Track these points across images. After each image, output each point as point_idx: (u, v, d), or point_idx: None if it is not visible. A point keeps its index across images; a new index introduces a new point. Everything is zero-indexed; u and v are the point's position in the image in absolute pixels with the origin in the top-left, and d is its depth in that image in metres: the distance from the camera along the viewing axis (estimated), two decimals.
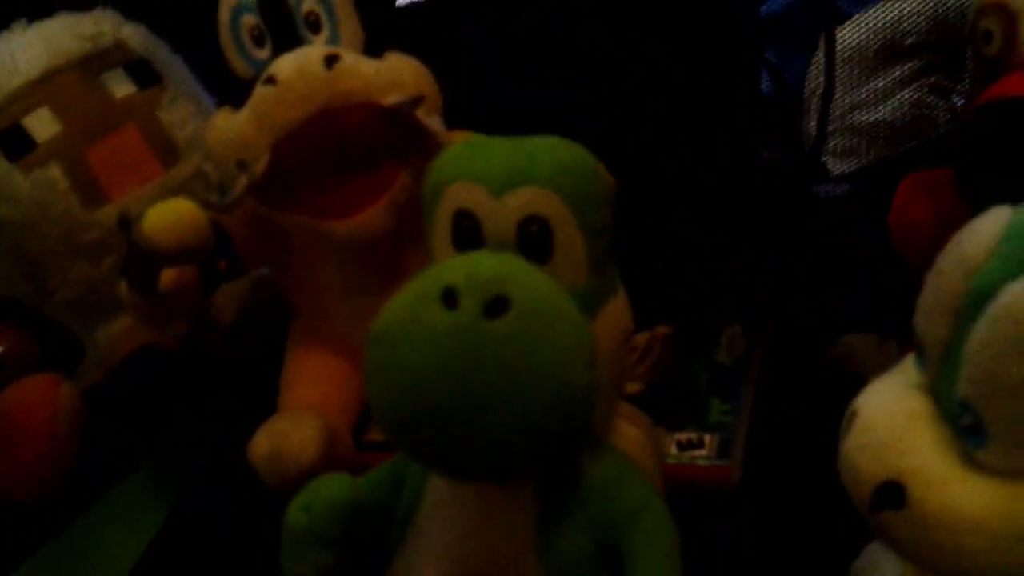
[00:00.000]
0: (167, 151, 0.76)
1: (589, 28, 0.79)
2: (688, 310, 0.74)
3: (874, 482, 0.35)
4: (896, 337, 0.64)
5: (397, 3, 0.80)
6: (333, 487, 0.50)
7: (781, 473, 0.62)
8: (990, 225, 0.34)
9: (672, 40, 0.78)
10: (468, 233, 0.47)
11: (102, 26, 0.77)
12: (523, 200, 0.46)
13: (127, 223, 0.57)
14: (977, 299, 0.33)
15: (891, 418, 0.36)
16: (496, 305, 0.41)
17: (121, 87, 0.76)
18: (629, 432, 0.52)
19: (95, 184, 0.73)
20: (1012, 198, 0.36)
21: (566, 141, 0.48)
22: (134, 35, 0.78)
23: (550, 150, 0.47)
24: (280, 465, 0.61)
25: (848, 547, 0.51)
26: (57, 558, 0.66)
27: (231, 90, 0.63)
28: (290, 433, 0.62)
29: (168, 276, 0.63)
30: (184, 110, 0.77)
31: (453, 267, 0.43)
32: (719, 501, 0.59)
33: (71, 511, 0.68)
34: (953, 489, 0.33)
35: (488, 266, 0.43)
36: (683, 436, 0.64)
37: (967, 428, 0.33)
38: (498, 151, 0.48)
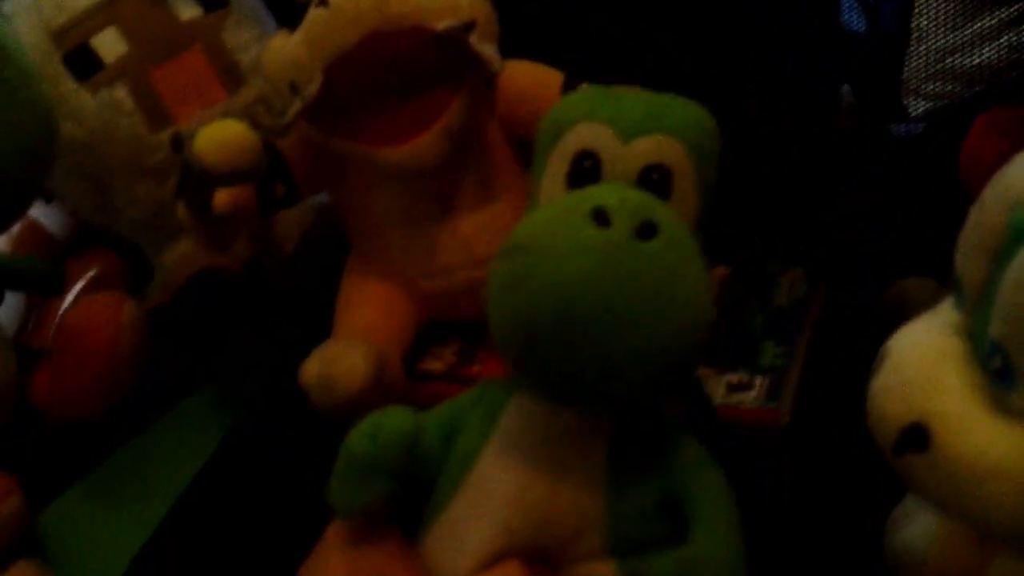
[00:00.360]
0: (231, 75, 0.76)
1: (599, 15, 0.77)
2: (748, 251, 0.73)
3: (899, 423, 0.34)
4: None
5: None
6: (398, 418, 0.51)
7: (830, 419, 0.61)
8: None
9: (681, 29, 0.76)
10: (588, 174, 0.48)
11: None
12: (651, 147, 0.47)
13: (179, 143, 0.58)
14: (1016, 235, 0.32)
15: (920, 359, 0.35)
16: (647, 229, 0.42)
17: (187, 9, 0.76)
18: None
19: (160, 105, 0.74)
20: None
21: (692, 101, 0.50)
22: None
23: (681, 104, 0.49)
24: (330, 389, 0.62)
25: (891, 495, 0.50)
26: (111, 477, 0.68)
27: (290, 13, 0.63)
28: (340, 358, 0.63)
29: (224, 198, 0.63)
30: (249, 34, 0.78)
31: (601, 191, 0.45)
32: (765, 444, 0.59)
33: (127, 432, 0.70)
34: (979, 433, 0.32)
35: (636, 194, 0.45)
36: (734, 377, 0.63)
37: (997, 371, 0.32)
38: (630, 98, 0.49)
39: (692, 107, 0.50)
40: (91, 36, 0.74)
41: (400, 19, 0.58)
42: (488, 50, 0.60)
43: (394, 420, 0.51)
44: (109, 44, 0.74)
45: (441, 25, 0.58)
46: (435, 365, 0.71)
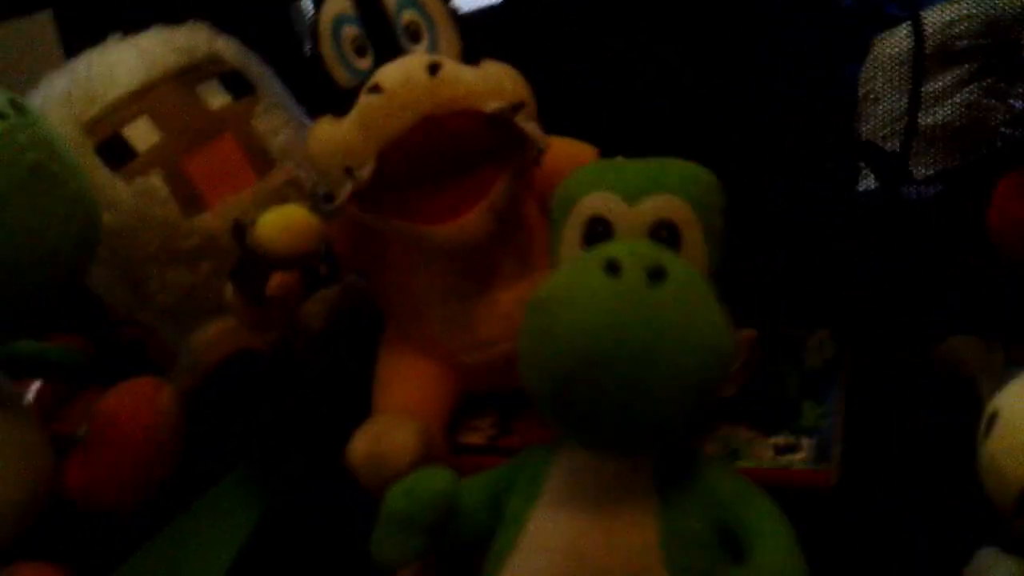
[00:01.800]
0: (261, 159, 0.77)
1: (603, 30, 0.80)
2: (772, 315, 0.74)
3: (1021, 484, 0.35)
4: (999, 338, 0.63)
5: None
6: (437, 477, 0.53)
7: (881, 475, 0.62)
8: None
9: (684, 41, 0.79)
10: (601, 237, 0.51)
11: (196, 39, 0.79)
12: (655, 205, 0.51)
13: (241, 230, 0.58)
14: None
15: None
16: (656, 273, 0.45)
17: (216, 98, 0.77)
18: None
19: (194, 191, 0.75)
20: None
21: (687, 160, 0.53)
22: (227, 47, 0.80)
23: (679, 164, 0.53)
24: (380, 467, 0.62)
25: (953, 551, 0.51)
26: (151, 562, 0.67)
27: (329, 101, 0.64)
28: (388, 435, 0.63)
29: (275, 281, 0.64)
30: (277, 119, 0.79)
31: (611, 246, 0.48)
32: (819, 504, 0.59)
33: (165, 516, 0.69)
34: None
35: (644, 245, 0.49)
36: (779, 440, 0.64)
37: None
38: (632, 165, 0.53)
39: (690, 166, 0.53)
40: (123, 126, 0.75)
41: (452, 103, 0.59)
42: (534, 129, 0.61)
43: (432, 479, 0.53)
44: (142, 133, 0.75)
45: (491, 107, 0.59)
46: (474, 438, 0.71)
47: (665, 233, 0.51)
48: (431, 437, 0.65)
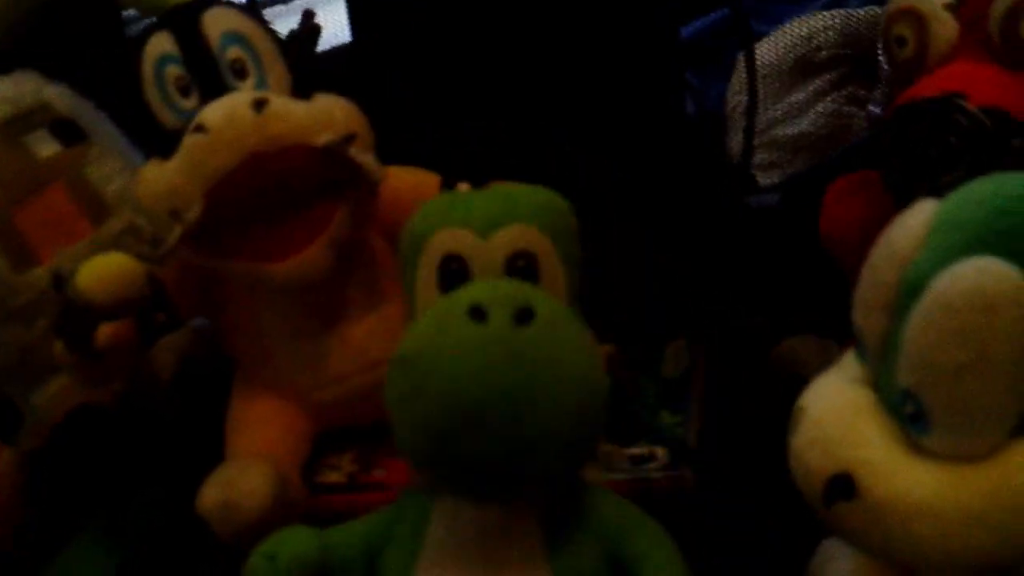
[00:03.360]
0: (96, 208, 0.74)
1: (515, 65, 0.80)
2: (630, 329, 0.75)
3: (825, 475, 0.36)
4: (834, 337, 0.66)
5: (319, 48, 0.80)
6: (300, 540, 0.51)
7: (734, 476, 0.63)
8: (917, 218, 0.36)
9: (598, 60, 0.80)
10: (457, 275, 0.49)
11: (23, 88, 0.76)
12: (509, 237, 0.49)
13: (60, 281, 0.56)
14: (910, 290, 0.34)
15: (837, 413, 0.37)
16: (524, 314, 0.44)
17: (45, 147, 0.74)
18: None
19: (24, 246, 0.72)
20: (935, 193, 0.37)
21: (537, 186, 0.52)
22: (57, 95, 0.77)
23: (527, 191, 0.52)
24: (232, 514, 0.60)
25: (804, 544, 0.52)
26: None
27: (156, 143, 0.62)
28: (239, 481, 0.61)
29: (104, 333, 0.62)
30: (112, 165, 0.76)
31: (473, 289, 0.46)
32: (675, 509, 0.60)
33: None
34: (901, 477, 0.34)
35: (507, 284, 0.48)
36: (635, 451, 0.65)
37: (910, 416, 0.34)
38: (477, 198, 0.51)
39: (540, 192, 0.52)
40: None
41: (280, 138, 0.58)
42: (369, 160, 0.61)
43: (294, 542, 0.51)
44: None
45: (322, 140, 0.59)
46: (333, 476, 0.70)
47: (523, 263, 0.49)
48: (284, 480, 0.63)
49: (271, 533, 0.52)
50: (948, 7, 0.54)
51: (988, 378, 0.32)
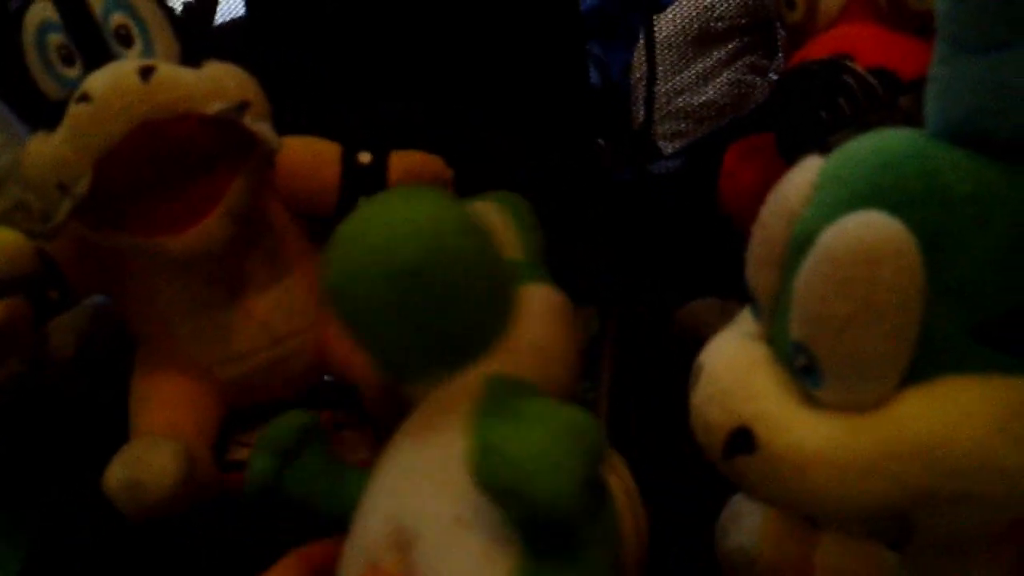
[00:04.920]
0: None
1: (416, 38, 0.79)
2: None
3: (724, 430, 0.36)
4: (736, 297, 0.67)
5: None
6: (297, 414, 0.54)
7: (643, 440, 0.64)
8: (804, 175, 0.36)
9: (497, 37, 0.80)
10: None
11: None
12: None
13: None
14: (798, 245, 0.35)
15: (733, 368, 0.37)
16: None
17: None
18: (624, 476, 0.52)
19: None
20: (826, 152, 0.38)
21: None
22: None
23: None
24: (138, 493, 0.59)
25: (713, 503, 0.53)
26: None
27: (40, 114, 0.60)
28: (146, 459, 0.60)
29: None
30: None
31: None
32: None
33: None
34: (797, 428, 0.35)
35: None
36: None
37: (803, 369, 0.35)
38: None
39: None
40: None
41: (169, 106, 0.56)
42: (263, 129, 0.59)
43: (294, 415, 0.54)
44: None
45: (213, 108, 0.57)
46: (245, 453, 0.69)
47: None
48: (192, 458, 0.62)
49: (179, 511, 0.53)
50: None
51: (874, 328, 0.32)
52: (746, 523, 0.50)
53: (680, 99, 1.07)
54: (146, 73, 0.55)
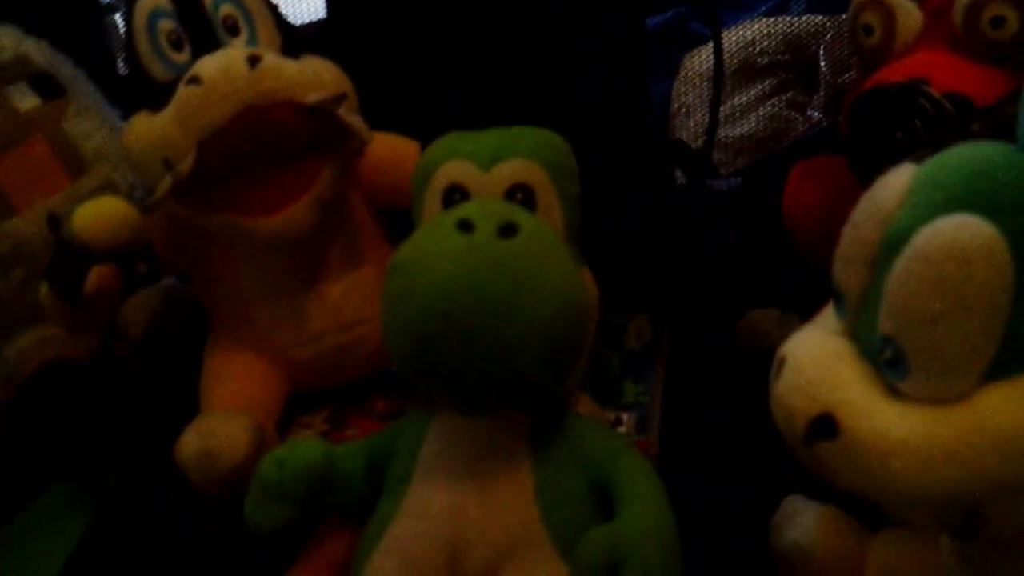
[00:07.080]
0: (74, 162, 0.75)
1: (489, 54, 0.82)
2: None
3: (807, 417, 0.38)
4: (795, 311, 0.69)
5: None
6: (309, 448, 0.53)
7: (698, 443, 0.66)
8: (898, 180, 0.38)
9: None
10: (458, 203, 0.52)
11: (2, 41, 0.76)
12: (509, 170, 0.52)
13: (56, 223, 0.56)
14: (891, 245, 0.37)
15: (817, 359, 0.39)
16: (508, 228, 0.46)
17: (25, 100, 0.75)
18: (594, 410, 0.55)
19: (3, 196, 0.72)
20: None
21: (540, 127, 0.55)
22: (36, 49, 0.77)
23: (530, 130, 0.55)
24: (211, 463, 0.61)
25: (766, 503, 0.55)
26: None
27: (145, 95, 0.63)
28: (219, 430, 0.62)
29: (90, 279, 0.62)
30: (90, 122, 0.77)
31: (464, 207, 0.49)
32: None
33: None
34: (880, 416, 0.37)
35: (495, 203, 0.51)
36: (606, 415, 0.67)
37: (889, 362, 0.37)
38: (486, 134, 0.54)
39: (542, 132, 0.55)
40: None
41: (272, 94, 0.59)
42: (356, 121, 0.62)
43: (302, 451, 0.53)
44: None
45: (312, 98, 0.60)
46: (307, 435, 0.71)
47: (521, 196, 0.52)
48: (263, 432, 0.64)
49: (245, 485, 0.53)
50: None
51: (963, 325, 0.34)
52: (801, 521, 0.51)
53: (718, 131, 1.09)
54: (253, 61, 0.58)
